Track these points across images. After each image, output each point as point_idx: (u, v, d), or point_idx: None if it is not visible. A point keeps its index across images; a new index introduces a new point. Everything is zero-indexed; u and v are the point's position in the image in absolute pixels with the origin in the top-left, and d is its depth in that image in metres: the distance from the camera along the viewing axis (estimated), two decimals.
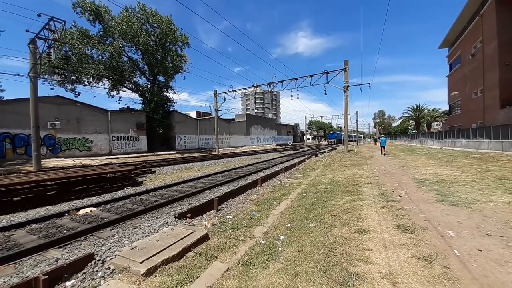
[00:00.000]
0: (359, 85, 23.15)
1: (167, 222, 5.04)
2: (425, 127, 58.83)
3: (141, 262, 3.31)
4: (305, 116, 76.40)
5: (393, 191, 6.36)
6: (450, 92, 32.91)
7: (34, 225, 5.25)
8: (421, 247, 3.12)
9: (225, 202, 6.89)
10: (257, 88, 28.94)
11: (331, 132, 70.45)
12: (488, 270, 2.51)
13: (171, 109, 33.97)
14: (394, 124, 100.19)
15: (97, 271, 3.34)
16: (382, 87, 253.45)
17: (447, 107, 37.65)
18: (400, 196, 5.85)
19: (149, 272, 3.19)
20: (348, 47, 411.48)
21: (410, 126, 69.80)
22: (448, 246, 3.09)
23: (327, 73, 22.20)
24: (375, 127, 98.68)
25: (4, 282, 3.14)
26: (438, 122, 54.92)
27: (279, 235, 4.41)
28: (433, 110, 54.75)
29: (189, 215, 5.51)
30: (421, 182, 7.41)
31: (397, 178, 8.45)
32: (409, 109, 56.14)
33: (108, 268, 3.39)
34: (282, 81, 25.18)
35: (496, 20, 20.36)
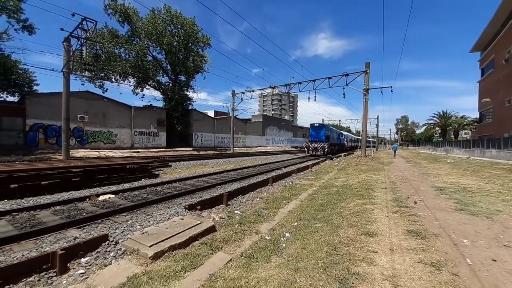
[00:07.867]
0: (380, 88, 22.39)
1: (178, 212, 5.23)
2: (452, 135, 55.21)
3: (149, 246, 3.49)
4: (322, 119, 74.57)
5: (408, 197, 6.10)
6: (481, 98, 30.72)
7: (57, 207, 5.69)
8: (430, 253, 2.99)
9: (235, 198, 7.00)
10: (275, 89, 28.85)
11: (317, 125, 29.45)
12: (500, 280, 2.36)
13: (190, 108, 34.93)
14: (418, 131, 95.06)
15: (109, 251, 3.57)
16: (405, 92, 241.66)
17: (477, 115, 35.15)
18: (415, 202, 5.60)
19: (156, 256, 3.36)
20: (370, 49, 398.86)
21: (436, 133, 65.55)
22: (460, 254, 2.94)
23: (347, 75, 21.67)
24: (397, 133, 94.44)
25: (23, 255, 3.41)
26: (467, 131, 51.33)
27: (284, 233, 4.42)
28: (461, 117, 51.27)
29: (198, 207, 5.68)
30: (441, 190, 7.02)
31: (415, 185, 8.08)
32: (435, 115, 52.94)
33: (120, 249, 3.61)
34: (299, 83, 24.93)
35: None
